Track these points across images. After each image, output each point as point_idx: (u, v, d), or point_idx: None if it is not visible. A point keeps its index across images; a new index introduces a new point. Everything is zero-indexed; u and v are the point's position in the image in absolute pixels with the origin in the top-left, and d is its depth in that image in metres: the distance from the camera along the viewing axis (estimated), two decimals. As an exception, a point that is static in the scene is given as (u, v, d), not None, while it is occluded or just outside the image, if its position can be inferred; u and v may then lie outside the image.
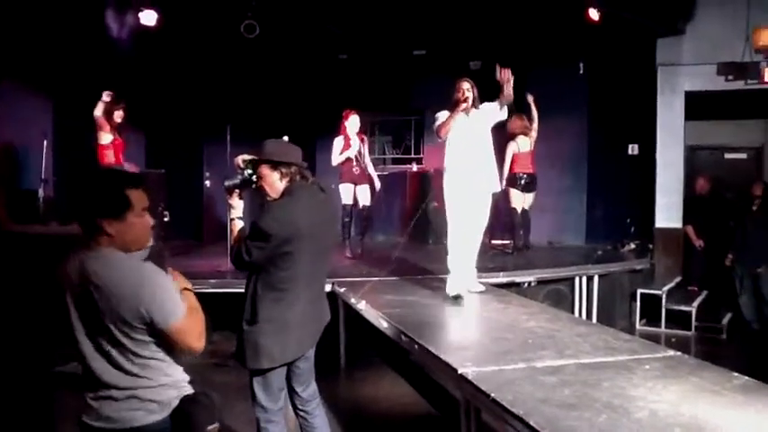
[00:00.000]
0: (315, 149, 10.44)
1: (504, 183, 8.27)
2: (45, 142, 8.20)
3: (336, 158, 8.04)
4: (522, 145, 8.63)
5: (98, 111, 7.38)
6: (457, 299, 5.31)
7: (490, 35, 9.78)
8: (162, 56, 9.77)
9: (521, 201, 8.72)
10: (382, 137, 12.45)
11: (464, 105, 5.42)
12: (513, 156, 8.62)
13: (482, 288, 5.78)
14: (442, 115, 5.55)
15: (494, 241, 10.58)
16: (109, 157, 7.45)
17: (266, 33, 8.76)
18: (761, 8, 8.70)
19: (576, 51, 10.05)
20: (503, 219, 9.16)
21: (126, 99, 7.72)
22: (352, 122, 8.08)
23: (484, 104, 5.56)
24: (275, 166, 3.36)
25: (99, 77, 8.04)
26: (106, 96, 7.37)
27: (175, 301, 2.30)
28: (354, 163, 8.03)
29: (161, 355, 2.34)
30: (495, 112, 5.51)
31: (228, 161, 8.38)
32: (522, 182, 8.63)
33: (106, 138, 7.49)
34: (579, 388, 3.05)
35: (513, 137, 8.59)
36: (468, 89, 5.50)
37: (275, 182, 3.37)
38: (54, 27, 8.45)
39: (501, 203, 9.64)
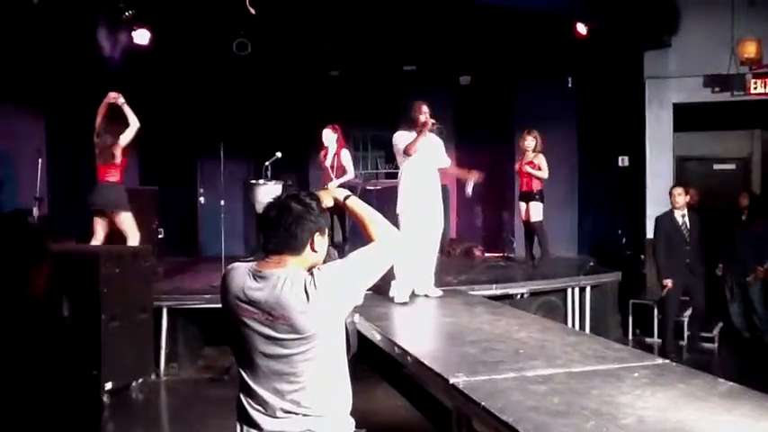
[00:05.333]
0: (308, 165, 10.52)
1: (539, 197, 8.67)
2: (40, 161, 8.23)
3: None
4: None
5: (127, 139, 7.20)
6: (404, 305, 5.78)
7: (479, 51, 9.91)
8: (155, 74, 9.85)
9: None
10: (375, 152, 12.51)
11: (430, 125, 5.95)
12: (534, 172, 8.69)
13: (440, 293, 6.14)
14: (401, 136, 6.02)
15: (488, 254, 10.71)
16: (117, 176, 7.34)
17: (258, 51, 8.86)
18: (745, 21, 8.84)
19: (564, 66, 10.19)
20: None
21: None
22: (324, 136, 8.39)
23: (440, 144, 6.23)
24: None
25: (92, 96, 8.08)
26: (133, 132, 7.17)
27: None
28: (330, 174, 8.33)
29: None
30: (443, 158, 6.24)
31: (222, 177, 8.50)
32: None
33: (119, 156, 7.38)
34: (568, 396, 3.10)
35: (536, 152, 8.67)
36: (427, 111, 6.02)
37: None
38: (47, 46, 8.52)
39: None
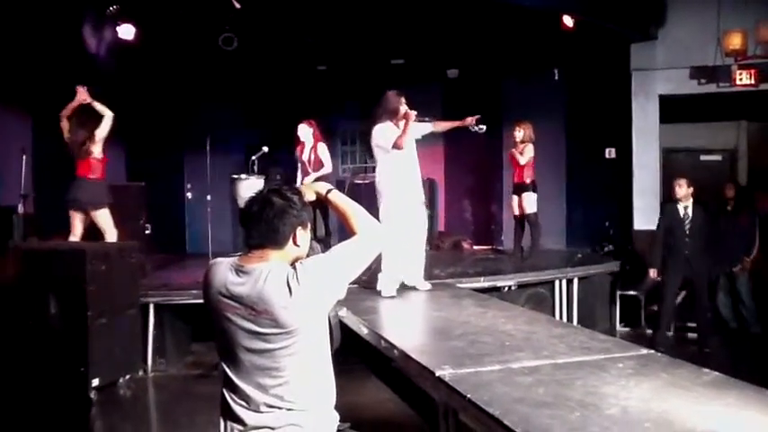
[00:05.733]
0: (295, 159, 10.46)
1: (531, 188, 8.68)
2: (24, 157, 8.14)
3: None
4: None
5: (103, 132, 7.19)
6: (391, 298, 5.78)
7: (466, 44, 9.90)
8: (141, 69, 9.79)
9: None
10: (363, 145, 12.50)
11: (414, 116, 5.85)
12: (529, 162, 8.70)
13: (429, 286, 6.16)
14: (382, 130, 5.90)
15: (476, 247, 10.73)
16: (98, 172, 7.29)
17: (244, 46, 8.81)
18: (731, 12, 8.89)
19: (551, 58, 10.20)
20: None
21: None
22: (299, 131, 8.46)
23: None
24: None
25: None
26: (108, 124, 7.16)
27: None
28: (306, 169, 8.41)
29: None
30: (424, 128, 6.12)
31: (209, 172, 8.47)
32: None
33: (100, 152, 7.34)
34: (554, 387, 3.11)
35: (525, 142, 8.69)
36: (404, 101, 5.93)
37: None
38: (32, 41, 8.45)
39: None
